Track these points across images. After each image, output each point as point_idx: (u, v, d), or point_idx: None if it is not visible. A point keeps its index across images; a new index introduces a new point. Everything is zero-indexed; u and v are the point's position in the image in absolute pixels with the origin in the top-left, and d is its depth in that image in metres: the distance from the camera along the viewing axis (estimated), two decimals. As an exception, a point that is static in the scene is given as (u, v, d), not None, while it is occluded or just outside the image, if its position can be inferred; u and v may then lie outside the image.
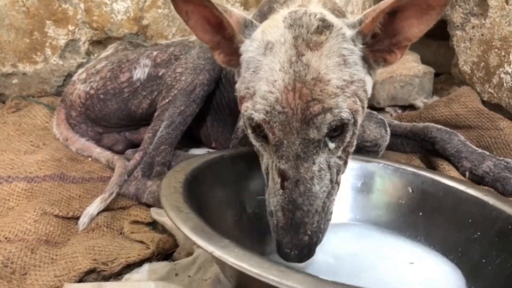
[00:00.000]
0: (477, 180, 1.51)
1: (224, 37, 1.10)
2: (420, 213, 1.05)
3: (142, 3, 2.41)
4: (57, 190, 1.50)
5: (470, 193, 1.04)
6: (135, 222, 1.37)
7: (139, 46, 1.97)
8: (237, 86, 1.10)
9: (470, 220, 1.01)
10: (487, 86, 1.85)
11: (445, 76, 2.44)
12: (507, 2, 1.74)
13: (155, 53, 1.74)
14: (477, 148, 1.55)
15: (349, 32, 1.01)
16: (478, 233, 0.99)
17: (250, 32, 1.07)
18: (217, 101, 1.74)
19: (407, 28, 1.02)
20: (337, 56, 0.96)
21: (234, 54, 1.11)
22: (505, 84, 1.78)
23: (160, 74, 1.69)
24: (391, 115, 2.14)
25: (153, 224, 1.37)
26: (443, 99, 1.83)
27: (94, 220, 1.35)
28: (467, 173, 1.53)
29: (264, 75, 0.97)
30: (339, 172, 1.00)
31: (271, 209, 0.95)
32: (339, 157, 0.99)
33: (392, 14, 0.99)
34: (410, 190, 1.07)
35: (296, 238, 0.89)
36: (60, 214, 1.36)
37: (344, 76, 0.95)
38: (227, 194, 1.10)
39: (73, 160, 1.70)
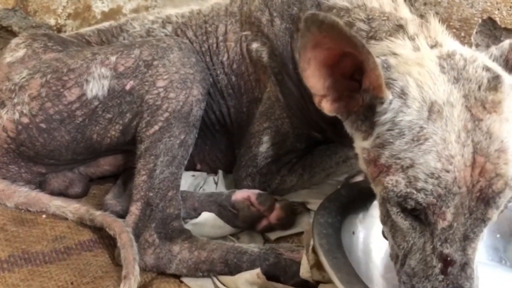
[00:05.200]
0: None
1: (336, 79, 0.87)
2: None
3: (18, -33, 1.75)
4: (36, 282, 1.04)
5: None
6: (180, 305, 1.05)
7: (65, 42, 1.42)
8: (366, 146, 0.88)
9: None
10: (442, 65, 1.88)
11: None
12: (470, -16, 1.75)
13: (112, 58, 1.27)
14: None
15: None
16: None
17: (389, 80, 0.84)
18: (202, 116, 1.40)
19: None
20: None
21: (343, 99, 0.90)
22: (463, 65, 1.83)
23: (128, 88, 1.25)
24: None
25: (204, 302, 1.07)
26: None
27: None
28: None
29: (433, 148, 0.77)
30: None
31: None
32: None
33: None
34: None
35: None
36: (77, 326, 0.96)
37: None
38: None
39: (23, 224, 1.20)
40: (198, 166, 1.48)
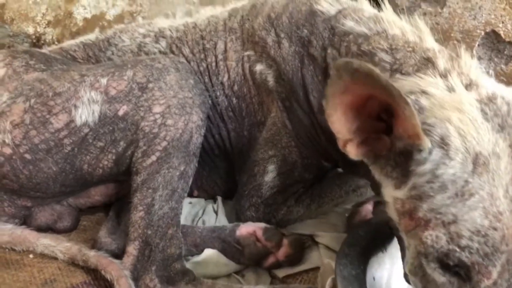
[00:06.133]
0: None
1: (363, 121, 0.80)
2: None
3: (-7, -28, 1.61)
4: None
5: None
6: None
7: (49, 60, 1.30)
8: (399, 196, 0.81)
9: None
10: (442, 77, 1.83)
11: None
12: (473, -5, 1.69)
13: (103, 80, 1.16)
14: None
15: None
16: None
17: (425, 126, 0.77)
18: (200, 140, 1.30)
19: None
20: None
21: (369, 142, 0.83)
22: (464, 77, 1.77)
23: (121, 113, 1.15)
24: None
25: None
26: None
27: None
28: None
29: (480, 204, 0.72)
30: None
31: None
32: None
33: None
34: None
35: None
36: None
37: None
38: None
39: (8, 266, 1.09)
40: (195, 193, 1.39)
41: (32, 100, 1.15)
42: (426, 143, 0.76)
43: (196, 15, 1.46)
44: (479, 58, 1.74)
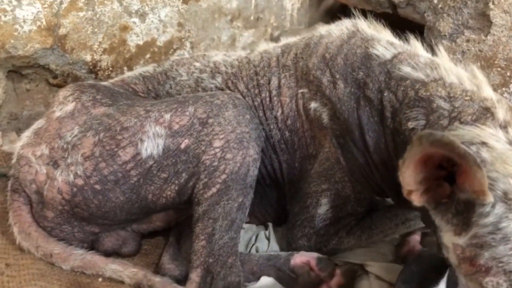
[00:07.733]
0: None
1: (428, 172, 0.85)
2: None
3: (57, 6, 1.71)
4: None
5: None
6: None
7: (114, 95, 1.39)
8: (460, 243, 0.87)
9: None
10: (485, 103, 1.85)
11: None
12: (518, 24, 1.72)
13: (167, 116, 1.25)
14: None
15: None
16: None
17: (487, 180, 0.81)
18: (255, 172, 1.37)
19: None
20: None
21: (431, 189, 0.88)
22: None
23: (183, 146, 1.23)
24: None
25: None
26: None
27: None
28: None
29: None
30: None
31: None
32: None
33: None
34: None
35: None
36: None
37: None
38: None
39: (81, 289, 1.18)
40: (247, 219, 1.45)
41: (101, 134, 1.24)
42: (490, 198, 0.81)
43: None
44: (523, 86, 1.76)
